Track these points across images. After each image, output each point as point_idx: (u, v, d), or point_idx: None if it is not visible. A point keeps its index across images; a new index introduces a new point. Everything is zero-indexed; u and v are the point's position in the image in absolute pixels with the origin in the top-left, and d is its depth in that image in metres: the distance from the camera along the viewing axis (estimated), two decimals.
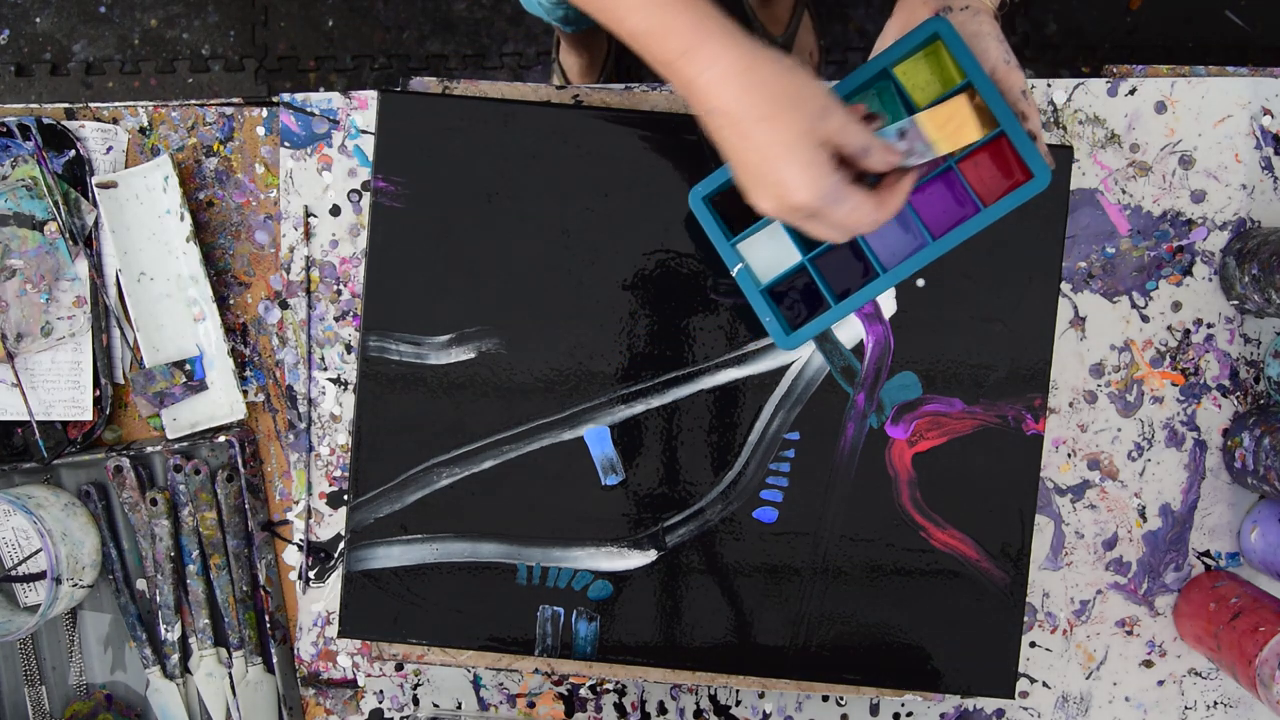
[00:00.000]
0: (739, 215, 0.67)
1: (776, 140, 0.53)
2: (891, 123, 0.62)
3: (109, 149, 0.81)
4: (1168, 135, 0.78)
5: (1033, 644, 0.80)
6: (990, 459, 0.76)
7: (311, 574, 0.81)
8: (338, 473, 0.81)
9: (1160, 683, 0.80)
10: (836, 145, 0.55)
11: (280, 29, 1.55)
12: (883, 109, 0.66)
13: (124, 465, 0.79)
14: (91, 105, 0.82)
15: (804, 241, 0.69)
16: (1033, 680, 0.80)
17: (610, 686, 0.82)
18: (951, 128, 0.60)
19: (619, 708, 0.82)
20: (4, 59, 1.58)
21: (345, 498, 0.80)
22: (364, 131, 0.80)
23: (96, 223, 0.80)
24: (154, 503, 0.79)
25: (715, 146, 0.56)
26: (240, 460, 0.78)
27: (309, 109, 0.80)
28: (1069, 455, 0.79)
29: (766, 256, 0.70)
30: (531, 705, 0.82)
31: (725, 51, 0.52)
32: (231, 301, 0.81)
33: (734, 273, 0.69)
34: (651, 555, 0.77)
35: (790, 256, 0.70)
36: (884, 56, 0.63)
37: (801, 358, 0.77)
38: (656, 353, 0.77)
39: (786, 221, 0.57)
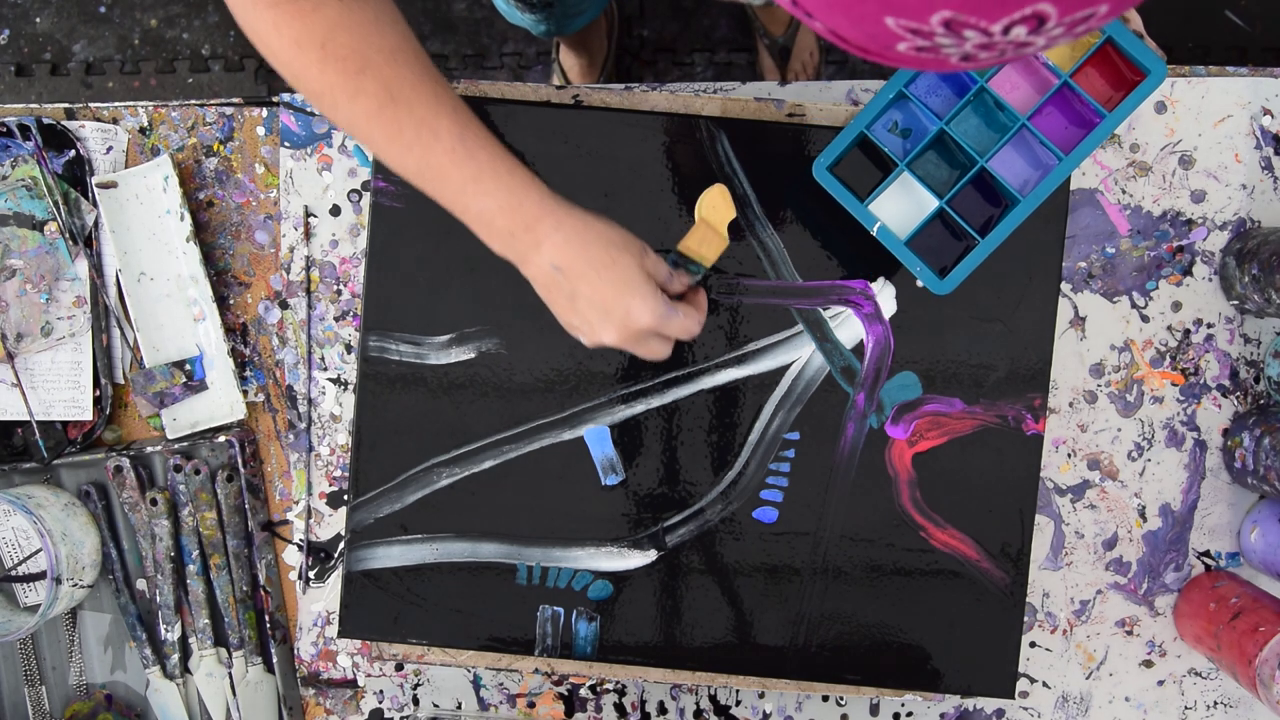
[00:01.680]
0: (854, 180, 0.72)
1: (618, 279, 0.62)
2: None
3: (109, 149, 0.81)
4: (1168, 135, 0.78)
5: (1033, 644, 0.80)
6: (990, 459, 0.76)
7: (311, 574, 0.81)
8: (338, 473, 0.81)
9: (1160, 683, 0.80)
10: (653, 276, 0.65)
11: None
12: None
13: (124, 465, 0.79)
14: (91, 105, 0.82)
15: (935, 189, 0.71)
16: (1033, 680, 0.80)
17: (610, 686, 0.82)
18: (708, 244, 0.69)
19: (619, 708, 0.82)
20: (4, 59, 1.58)
21: (345, 498, 0.80)
22: None
23: (96, 223, 0.80)
24: (154, 503, 0.79)
25: (551, 298, 0.64)
26: (240, 460, 0.78)
27: (309, 109, 0.80)
28: (1069, 455, 0.79)
29: (896, 211, 0.72)
30: (531, 705, 0.82)
31: (565, 219, 0.62)
32: (231, 301, 0.81)
33: (874, 231, 0.71)
34: (651, 555, 0.77)
35: (922, 206, 0.71)
36: None
37: (801, 357, 0.77)
38: None
39: (626, 347, 0.65)
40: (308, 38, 0.58)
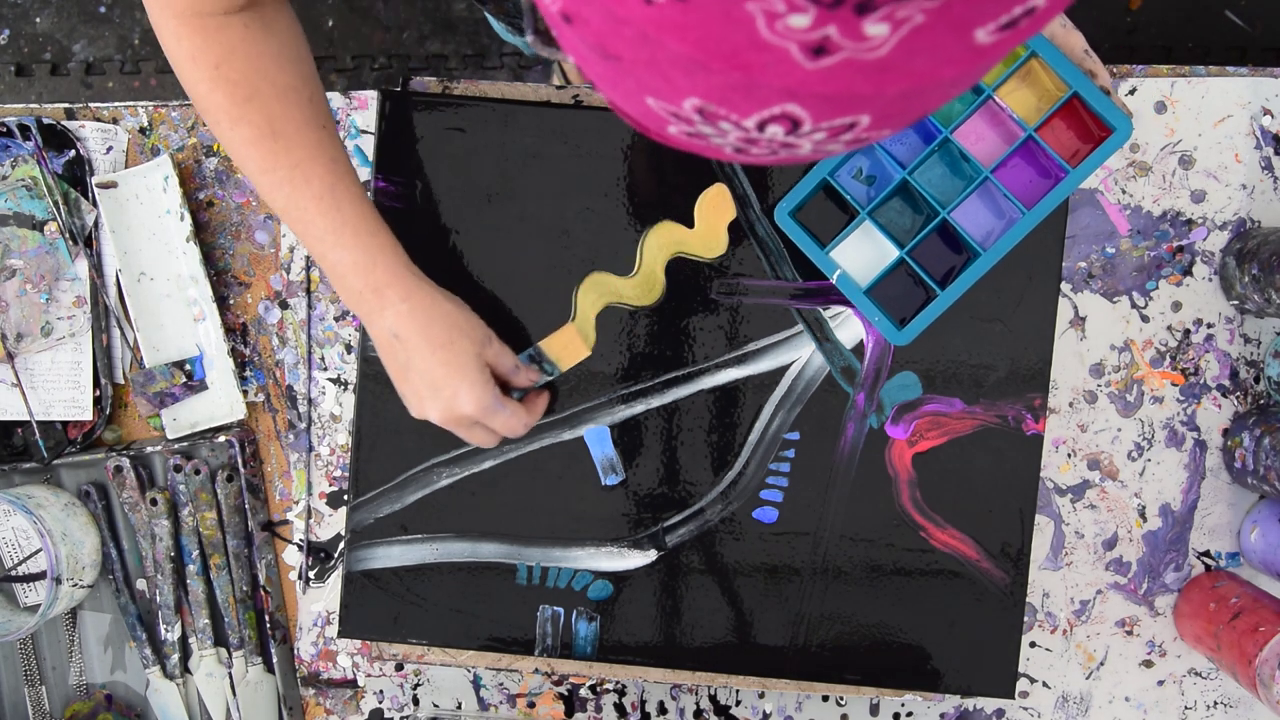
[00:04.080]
0: (817, 226, 0.72)
1: (450, 361, 0.64)
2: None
3: (109, 149, 0.81)
4: (1168, 135, 0.78)
5: (1033, 644, 0.80)
6: (990, 459, 0.76)
7: (311, 574, 0.81)
8: (338, 473, 0.81)
9: (1160, 683, 0.80)
10: (493, 367, 0.67)
11: None
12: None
13: (124, 465, 0.79)
14: (91, 105, 0.82)
15: (896, 237, 0.70)
16: (1033, 680, 0.80)
17: (610, 686, 0.82)
18: (569, 350, 0.73)
19: (619, 708, 0.82)
20: (4, 59, 1.58)
21: (345, 498, 0.80)
22: (364, 131, 0.80)
23: (96, 223, 0.80)
24: (154, 503, 0.79)
25: (393, 364, 0.66)
26: (240, 460, 0.78)
27: None
28: (1069, 455, 0.79)
29: (859, 258, 0.71)
30: (531, 705, 0.82)
31: (414, 291, 0.64)
32: (231, 301, 0.81)
33: (833, 279, 0.70)
34: (651, 555, 0.77)
35: (884, 255, 0.70)
36: None
37: (801, 358, 0.77)
38: (656, 353, 0.77)
39: (449, 428, 0.67)
40: (204, 56, 0.59)
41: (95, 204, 0.79)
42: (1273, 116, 0.77)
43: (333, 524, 0.81)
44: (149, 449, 0.80)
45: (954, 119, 0.68)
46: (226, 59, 0.59)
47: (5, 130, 0.79)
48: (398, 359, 0.65)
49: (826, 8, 0.25)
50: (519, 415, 0.67)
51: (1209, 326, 0.78)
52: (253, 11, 0.61)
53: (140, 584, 0.82)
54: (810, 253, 0.71)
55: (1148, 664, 0.80)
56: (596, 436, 0.77)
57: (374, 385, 0.77)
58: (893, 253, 0.70)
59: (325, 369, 0.81)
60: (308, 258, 0.81)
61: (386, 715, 0.82)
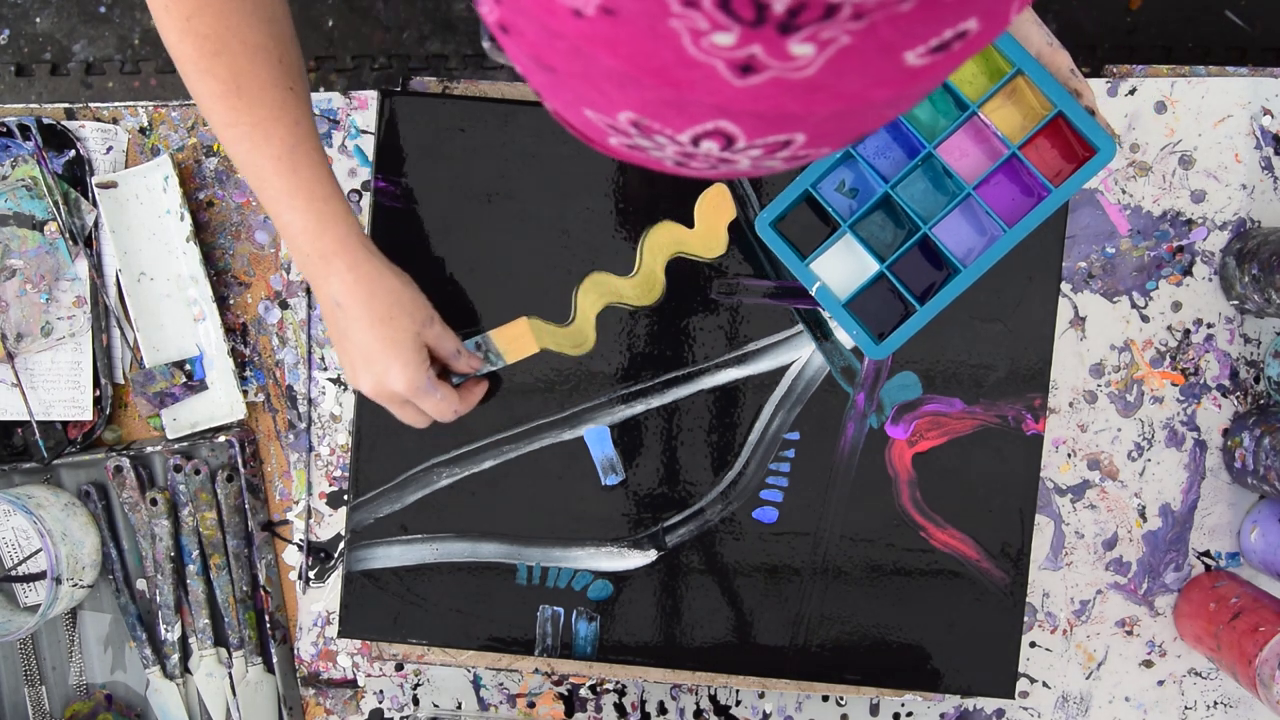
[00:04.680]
0: (800, 237, 0.71)
1: (388, 337, 0.64)
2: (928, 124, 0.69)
3: (109, 149, 0.81)
4: (1168, 135, 0.78)
5: (1033, 644, 0.80)
6: (990, 459, 0.76)
7: (311, 574, 0.81)
8: (338, 473, 0.81)
9: (1160, 683, 0.80)
10: (433, 349, 0.67)
11: None
12: (934, 108, 0.67)
13: (124, 465, 0.79)
14: (91, 105, 0.82)
15: (877, 251, 0.70)
16: (1033, 680, 0.80)
17: (610, 686, 0.82)
18: (517, 343, 0.72)
19: (619, 708, 0.82)
20: (4, 59, 1.58)
21: (345, 498, 0.80)
22: (364, 131, 0.80)
23: (96, 223, 0.80)
24: (154, 503, 0.79)
25: (333, 328, 0.66)
26: (240, 460, 0.78)
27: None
28: (1069, 455, 0.79)
29: (839, 271, 0.71)
30: (531, 705, 0.82)
31: (362, 263, 0.64)
32: (231, 301, 0.81)
33: (813, 291, 0.69)
34: (651, 555, 0.77)
35: (864, 268, 0.70)
36: None
37: (801, 357, 0.77)
38: (656, 353, 0.77)
39: (378, 402, 0.67)
40: (177, 7, 0.60)
41: (95, 204, 0.79)
42: (1273, 116, 0.77)
43: (333, 524, 0.81)
44: (149, 449, 0.80)
45: (938, 134, 0.68)
46: (198, 12, 0.60)
47: (5, 130, 0.79)
48: (338, 326, 0.65)
49: (749, 26, 0.25)
50: (450, 400, 0.67)
51: (1209, 326, 0.78)
52: None
53: (140, 584, 0.82)
54: (790, 264, 0.70)
55: (1148, 664, 0.80)
56: (596, 436, 0.77)
57: None
58: (873, 266, 0.70)
59: (325, 369, 0.81)
60: None
61: (386, 715, 0.82)
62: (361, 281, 0.64)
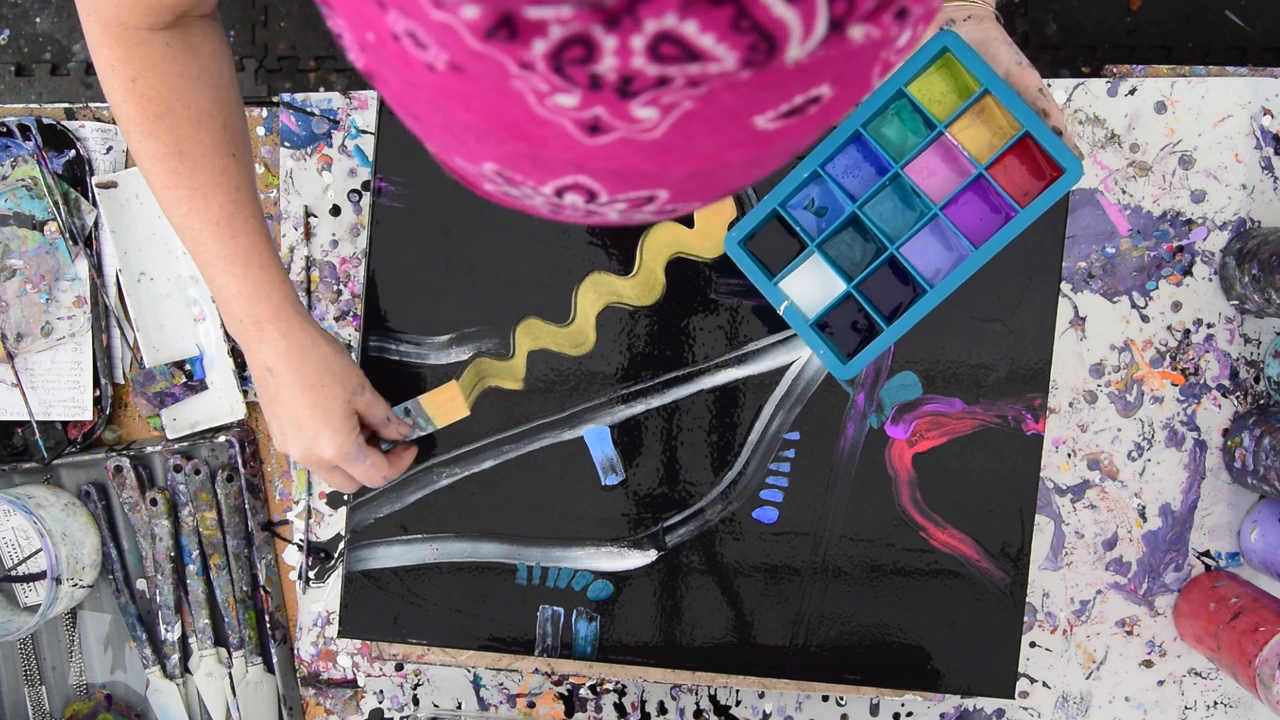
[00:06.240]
0: (771, 254, 0.71)
1: (318, 404, 0.65)
2: (902, 142, 0.68)
3: (109, 149, 0.81)
4: (1168, 135, 0.78)
5: (1033, 644, 0.80)
6: (990, 459, 0.76)
7: (311, 574, 0.81)
8: None
9: (1160, 683, 0.80)
10: (363, 416, 0.69)
11: (280, 29, 1.55)
12: (903, 127, 0.67)
13: (124, 465, 0.79)
14: (91, 105, 0.82)
15: (846, 270, 0.69)
16: (1033, 680, 0.80)
17: (610, 686, 0.82)
18: (447, 408, 0.73)
19: (619, 708, 0.82)
20: (4, 59, 1.58)
21: (345, 498, 0.80)
22: (364, 131, 0.80)
23: (96, 223, 0.80)
24: (154, 503, 0.79)
25: (264, 398, 0.67)
26: (240, 460, 0.78)
27: (309, 109, 0.80)
28: (1069, 455, 0.79)
29: (808, 290, 0.70)
30: (531, 705, 0.82)
31: (295, 330, 0.65)
32: None
33: (780, 310, 0.69)
34: (651, 555, 0.77)
35: (832, 287, 0.69)
36: (897, 77, 0.64)
37: (801, 357, 0.77)
38: (656, 353, 0.77)
39: (307, 467, 0.68)
40: (123, 67, 0.60)
41: (95, 204, 0.79)
42: (1273, 116, 0.77)
43: (333, 524, 0.81)
44: (149, 449, 0.80)
45: (907, 153, 0.67)
46: (144, 74, 0.60)
47: (5, 130, 0.79)
48: (269, 391, 0.66)
49: (588, 90, 0.24)
50: (379, 467, 0.69)
51: (1209, 326, 0.78)
52: (177, 31, 0.62)
53: (140, 584, 0.82)
54: (759, 283, 0.69)
55: (1148, 664, 0.80)
56: (596, 436, 0.77)
57: (374, 385, 0.77)
58: (841, 285, 0.69)
59: None
60: (308, 258, 0.81)
61: (386, 715, 0.82)
62: (294, 348, 0.65)
